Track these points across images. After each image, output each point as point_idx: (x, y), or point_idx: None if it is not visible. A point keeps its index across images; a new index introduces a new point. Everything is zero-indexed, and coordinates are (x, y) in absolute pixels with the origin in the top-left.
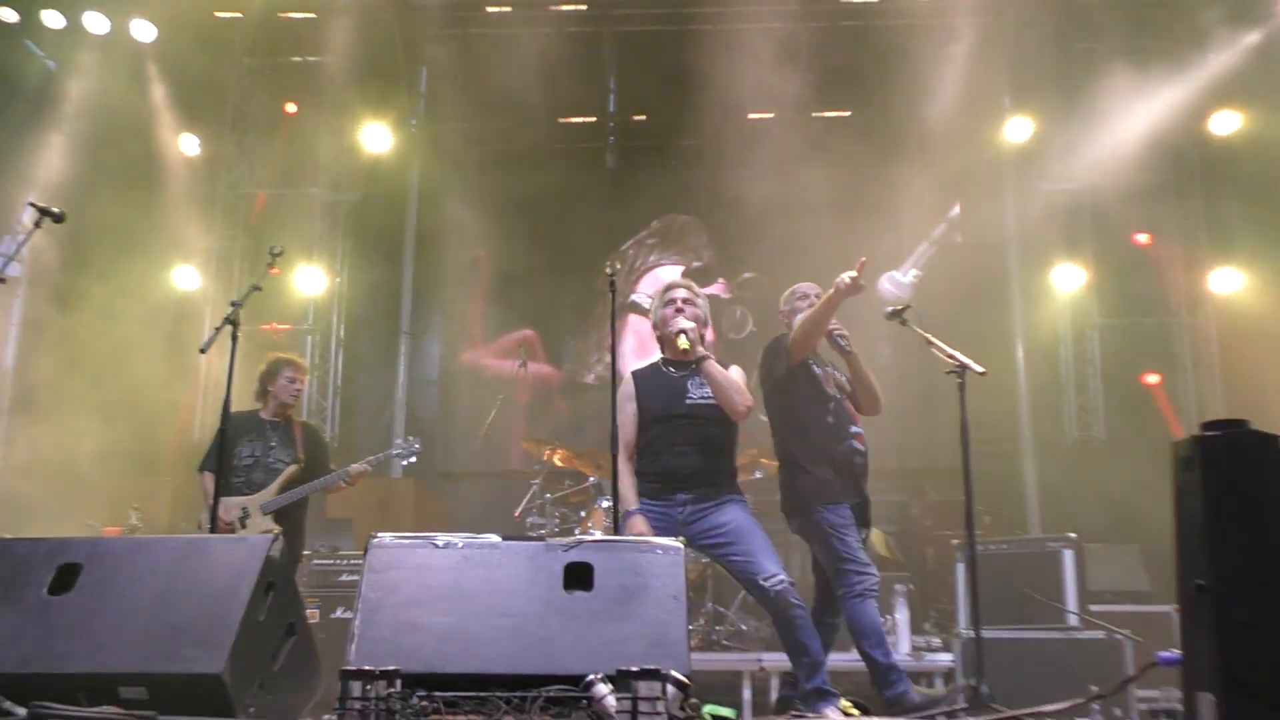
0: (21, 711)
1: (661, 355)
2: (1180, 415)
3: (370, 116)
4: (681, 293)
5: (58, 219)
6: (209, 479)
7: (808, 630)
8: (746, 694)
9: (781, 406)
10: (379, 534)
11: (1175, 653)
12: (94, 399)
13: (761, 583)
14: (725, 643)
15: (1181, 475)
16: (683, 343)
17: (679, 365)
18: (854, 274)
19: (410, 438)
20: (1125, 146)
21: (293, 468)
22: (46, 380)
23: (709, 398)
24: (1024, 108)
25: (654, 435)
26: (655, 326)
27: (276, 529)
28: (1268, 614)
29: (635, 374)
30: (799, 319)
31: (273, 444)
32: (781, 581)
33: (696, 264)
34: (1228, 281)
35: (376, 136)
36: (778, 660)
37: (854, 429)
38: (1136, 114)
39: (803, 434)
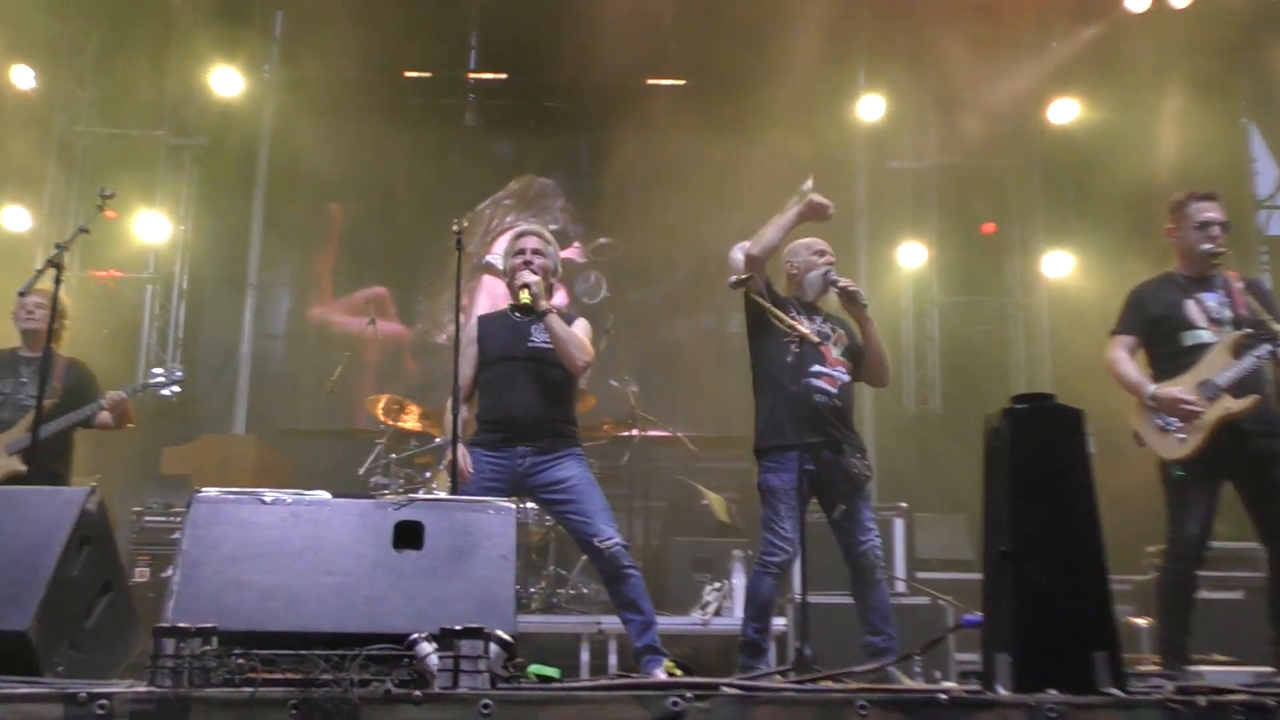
0: None
1: (510, 302)
2: (1013, 388)
3: (221, 59)
4: (531, 242)
5: None
6: None
7: (638, 590)
8: (585, 656)
9: (751, 345)
10: (203, 488)
11: (978, 615)
12: None
13: (596, 544)
14: (566, 605)
15: (990, 445)
16: (524, 297)
17: (525, 310)
18: (826, 201)
19: (173, 365)
20: (971, 130)
21: (47, 402)
22: None
23: (552, 343)
24: (877, 86)
25: (495, 375)
26: (505, 274)
27: (23, 469)
28: (1061, 577)
29: (481, 318)
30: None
31: (24, 380)
32: (615, 544)
33: (553, 227)
34: (1060, 264)
35: (227, 80)
36: (617, 624)
37: (820, 369)
38: (982, 98)
39: (761, 376)
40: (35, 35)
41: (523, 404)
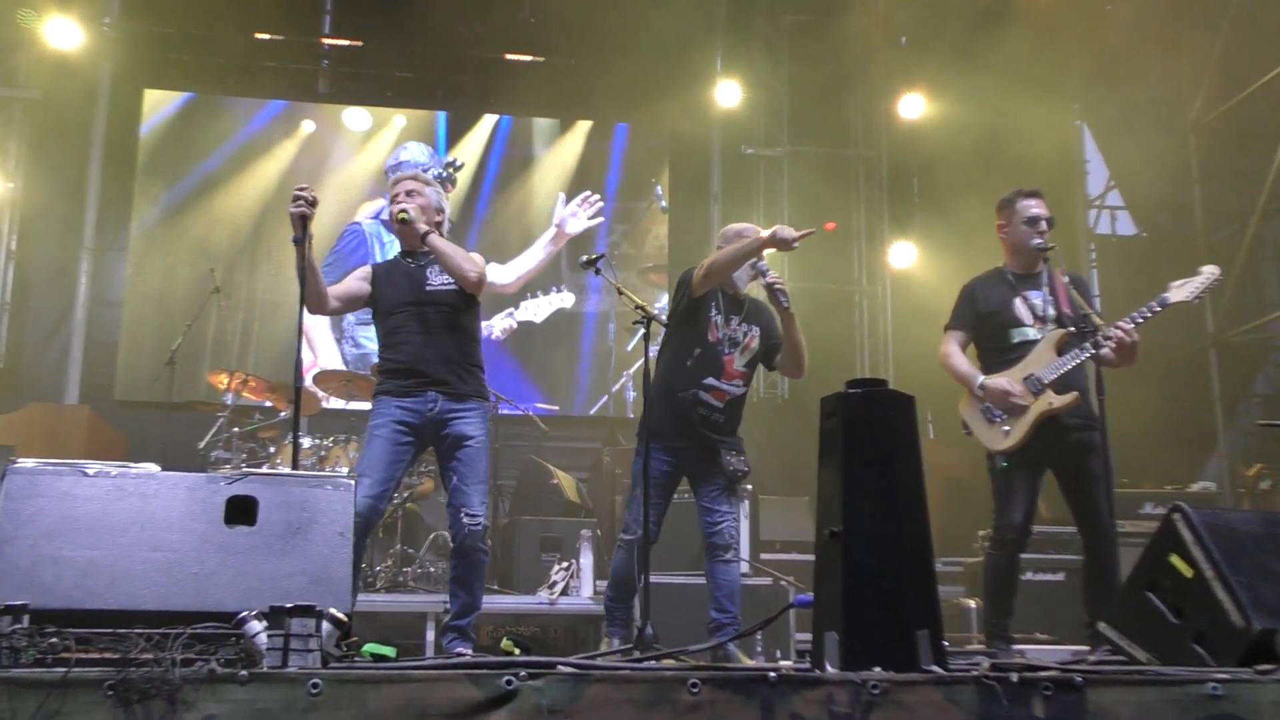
0: None
1: (400, 250)
2: (855, 373)
3: (56, 9)
4: (407, 185)
5: None
6: None
7: (481, 575)
8: (430, 635)
9: (666, 338)
10: (19, 459)
11: (809, 595)
12: None
13: (463, 516)
14: (413, 584)
15: (825, 428)
16: (401, 215)
17: (415, 256)
18: (794, 234)
19: None
20: (823, 119)
21: None
22: None
23: (450, 284)
24: (733, 73)
25: (397, 323)
26: (389, 221)
27: None
28: (885, 558)
29: (374, 266)
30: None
31: None
32: (481, 523)
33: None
34: (903, 255)
35: (63, 31)
36: None
37: (712, 382)
38: (834, 90)
39: (662, 366)
40: None
41: (429, 347)
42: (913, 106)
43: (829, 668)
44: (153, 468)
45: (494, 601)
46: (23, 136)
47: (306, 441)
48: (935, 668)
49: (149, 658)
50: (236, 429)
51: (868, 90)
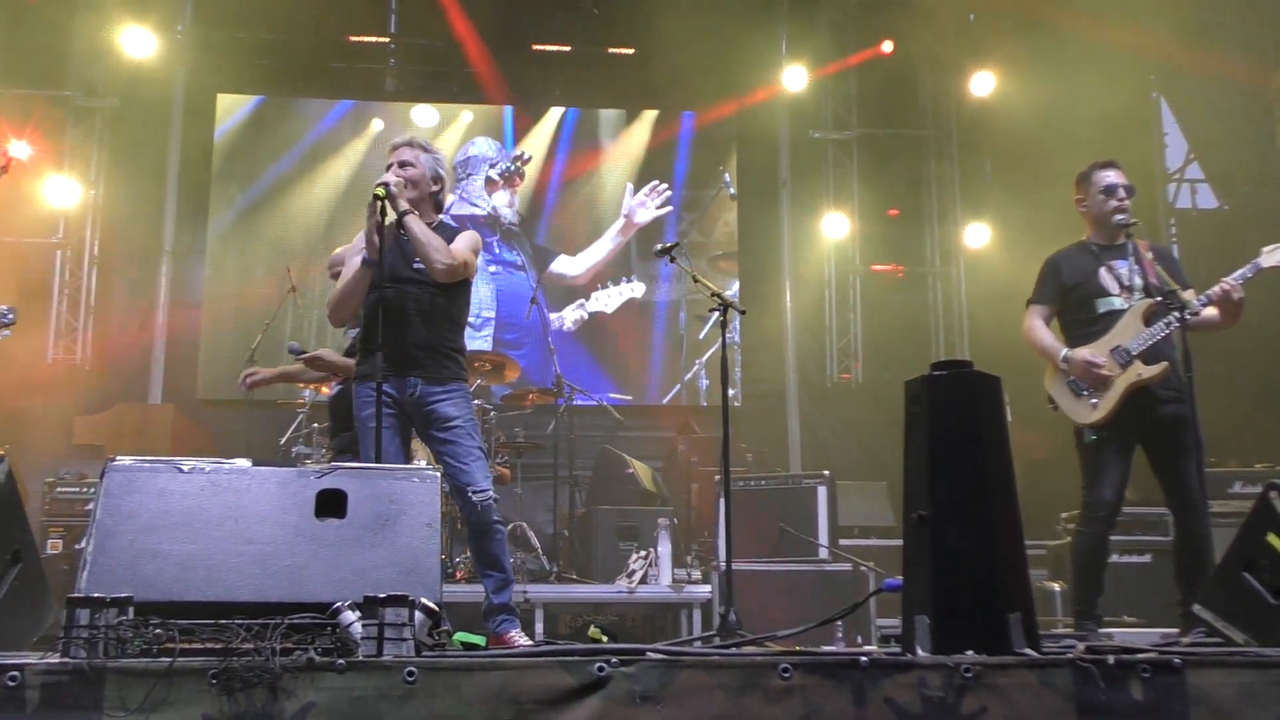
0: None
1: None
2: (930, 358)
3: (131, 19)
4: (402, 153)
5: None
6: None
7: (502, 547)
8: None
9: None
10: (118, 457)
11: (899, 579)
12: None
13: (469, 494)
14: None
15: (911, 412)
16: (379, 190)
17: (384, 213)
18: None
19: (4, 306)
20: (892, 100)
21: None
22: None
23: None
24: (799, 57)
25: (380, 298)
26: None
27: None
28: (975, 540)
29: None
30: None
31: None
32: (489, 496)
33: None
34: (977, 236)
35: (139, 40)
36: (541, 592)
37: None
38: (902, 69)
39: None
40: None
41: (411, 332)
42: (983, 84)
43: (920, 651)
44: (244, 463)
45: (572, 591)
46: (103, 145)
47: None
48: (1028, 651)
49: (249, 647)
50: (316, 424)
51: (936, 70)
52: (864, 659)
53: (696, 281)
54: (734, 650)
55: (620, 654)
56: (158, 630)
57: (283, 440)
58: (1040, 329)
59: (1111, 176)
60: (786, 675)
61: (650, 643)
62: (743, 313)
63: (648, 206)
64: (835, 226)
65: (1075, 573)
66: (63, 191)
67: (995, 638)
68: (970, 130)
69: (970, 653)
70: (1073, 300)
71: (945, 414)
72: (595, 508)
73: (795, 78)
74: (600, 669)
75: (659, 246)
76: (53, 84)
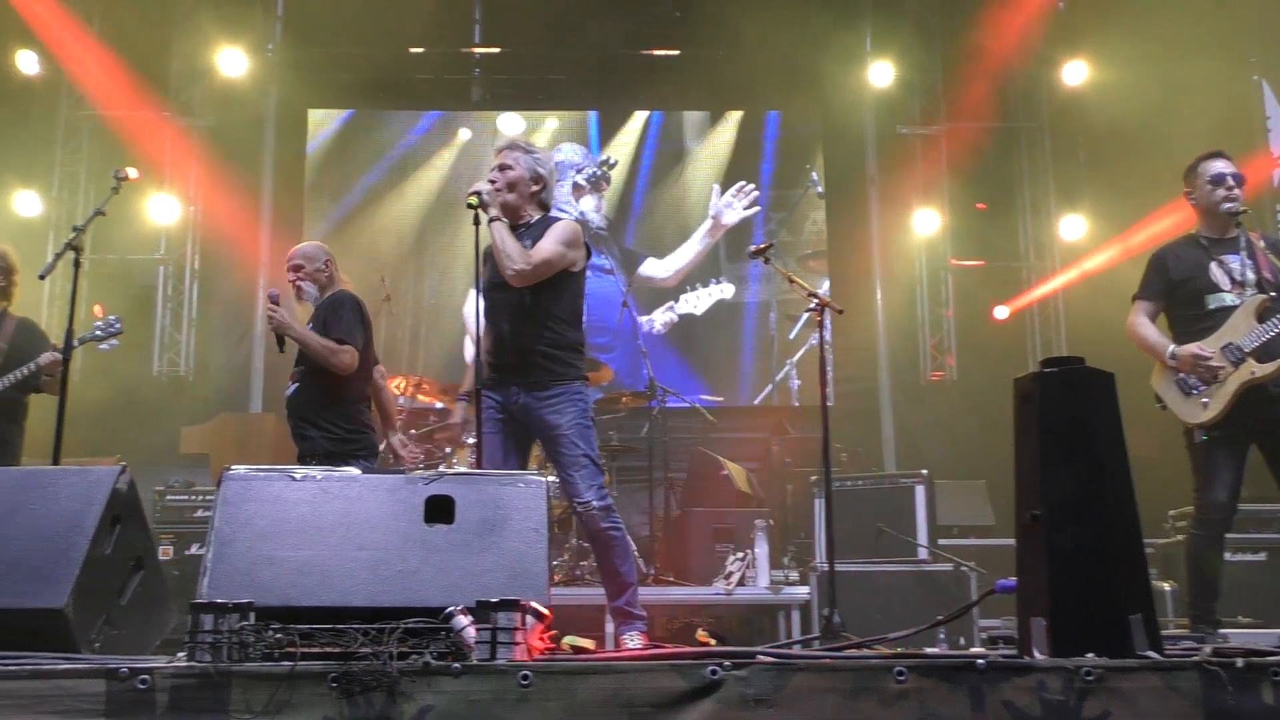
0: None
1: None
2: (1027, 356)
3: (225, 40)
4: (503, 157)
5: None
6: None
7: (620, 551)
8: (609, 628)
9: None
10: (234, 466)
11: (1013, 581)
12: None
13: (575, 506)
14: (589, 577)
15: (1021, 410)
16: (471, 199)
17: (515, 231)
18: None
19: (111, 316)
20: (980, 92)
21: None
22: None
23: None
24: (884, 52)
25: (485, 308)
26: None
27: None
28: (1091, 540)
29: (486, 249)
30: None
31: None
32: (593, 506)
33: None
34: (1073, 228)
35: (232, 60)
36: (642, 595)
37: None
38: (990, 61)
39: None
40: (38, 20)
41: (506, 338)
42: (1075, 73)
43: (1037, 654)
44: (354, 471)
45: (669, 593)
46: (200, 162)
47: (472, 440)
48: (1151, 653)
49: (367, 651)
50: (413, 431)
51: (1026, 60)
52: (981, 662)
53: (792, 283)
54: (847, 653)
55: (731, 656)
56: (278, 635)
57: (381, 447)
58: (1146, 325)
59: (1219, 165)
60: (901, 678)
61: (747, 645)
62: (840, 312)
63: (735, 207)
64: (925, 222)
65: (1190, 576)
66: (164, 209)
67: (1115, 640)
68: (1062, 121)
69: (1090, 655)
70: (1181, 296)
71: (1057, 412)
72: (690, 510)
73: (881, 73)
74: (713, 672)
75: (753, 248)
76: (152, 105)
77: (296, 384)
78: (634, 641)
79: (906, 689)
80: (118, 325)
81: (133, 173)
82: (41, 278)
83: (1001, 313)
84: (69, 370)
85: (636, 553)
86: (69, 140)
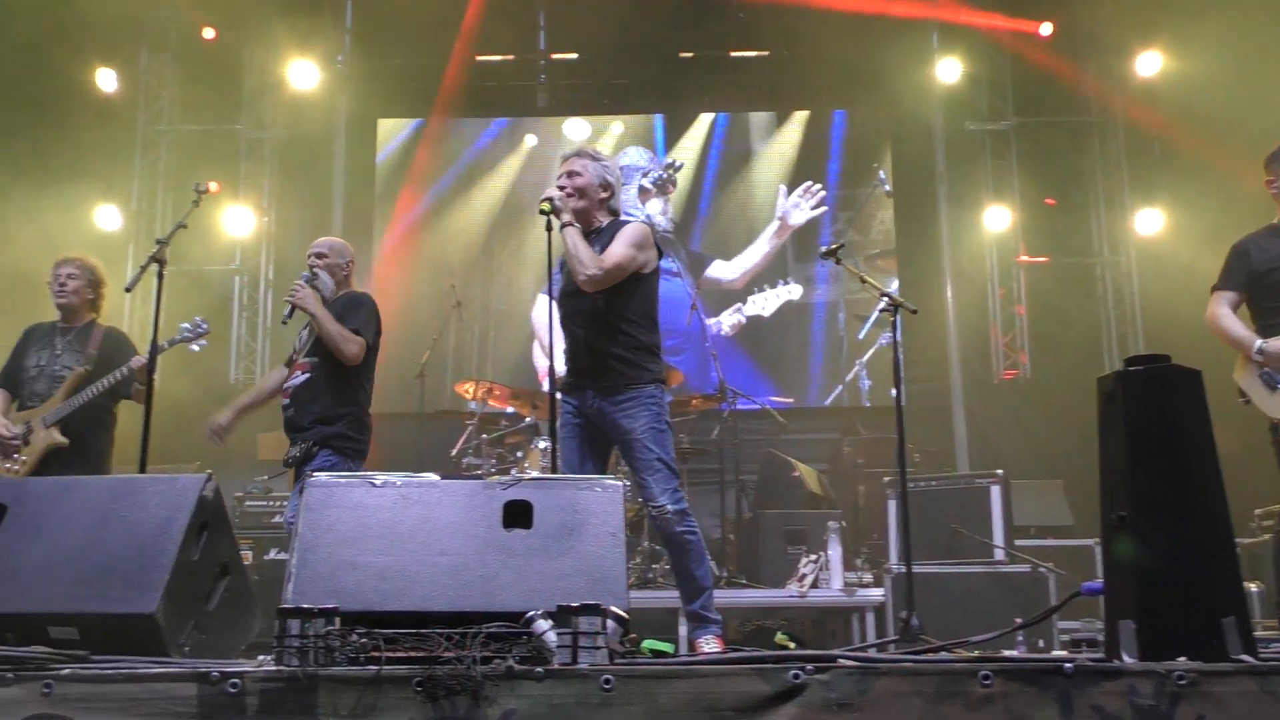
0: None
1: None
2: (1102, 352)
3: (296, 52)
4: (569, 164)
5: None
6: None
7: (695, 555)
8: (683, 630)
9: None
10: (315, 473)
11: (1099, 583)
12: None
13: (650, 510)
14: (661, 580)
15: (1105, 410)
16: (544, 205)
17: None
18: None
19: (198, 317)
20: (1050, 86)
21: (80, 370)
22: None
23: None
24: (951, 48)
25: (560, 317)
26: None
27: (63, 441)
28: (1180, 541)
29: (562, 258)
30: None
31: (59, 351)
32: (667, 510)
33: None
34: (1149, 222)
35: (303, 73)
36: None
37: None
38: (1060, 54)
39: None
40: (115, 39)
41: (580, 343)
42: (1149, 64)
43: (1126, 658)
44: (432, 477)
45: (741, 595)
46: (273, 173)
47: (543, 444)
48: (1246, 657)
49: (451, 656)
50: (485, 435)
51: (1098, 51)
52: (1069, 666)
53: (864, 282)
54: (930, 656)
55: (812, 660)
56: (363, 640)
57: (454, 452)
58: (1228, 317)
59: None
60: (987, 682)
61: (821, 648)
62: (914, 311)
63: (802, 208)
64: (996, 219)
65: (1278, 576)
66: (238, 220)
67: (1207, 643)
68: (1136, 113)
69: (1182, 659)
70: (1265, 287)
71: (1142, 411)
72: (762, 512)
73: (949, 70)
74: (795, 676)
75: (823, 249)
76: (226, 119)
77: (306, 374)
78: (709, 645)
79: (992, 693)
80: (205, 326)
81: (213, 186)
82: (128, 290)
83: None
84: (153, 379)
85: (708, 554)
86: (146, 154)
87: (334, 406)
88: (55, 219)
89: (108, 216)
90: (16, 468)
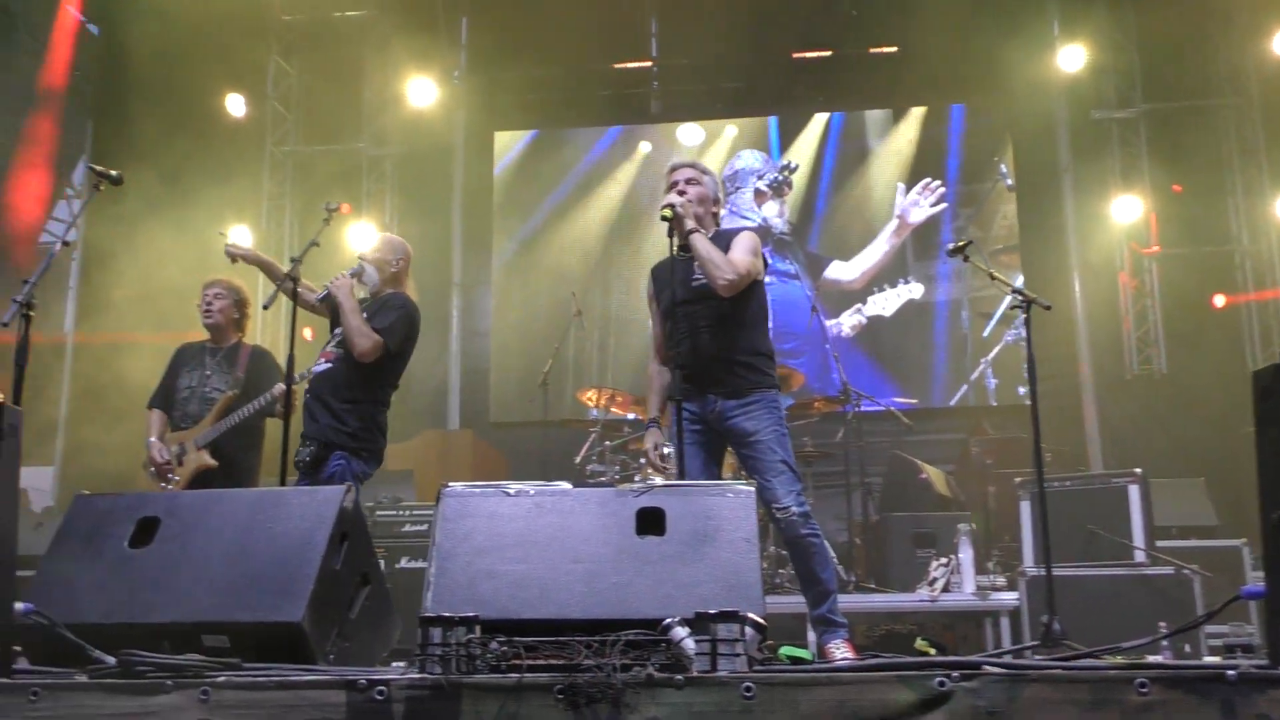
0: (111, 660)
1: (677, 245)
2: (1243, 345)
3: (414, 70)
4: (684, 173)
5: (116, 181)
6: (152, 416)
7: (820, 558)
8: (811, 635)
9: None
10: (451, 483)
11: (1260, 586)
12: (153, 364)
13: (774, 511)
14: (788, 585)
15: (1262, 405)
16: (665, 212)
17: (688, 249)
18: None
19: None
20: (1180, 70)
21: (229, 394)
22: (105, 345)
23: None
24: (1074, 35)
25: (672, 325)
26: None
27: (212, 463)
28: None
29: (653, 269)
30: None
31: (209, 373)
32: (793, 513)
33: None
34: None
35: (421, 90)
36: (844, 603)
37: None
38: (1188, 36)
39: None
40: (243, 66)
41: (701, 348)
42: None
43: None
44: (565, 485)
45: (870, 600)
46: (394, 188)
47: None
48: None
49: (591, 663)
50: (608, 442)
51: (1230, 32)
52: (1231, 673)
53: (994, 279)
54: (1081, 664)
55: (957, 667)
56: (503, 647)
57: (578, 459)
58: None
59: None
60: (1144, 690)
61: (954, 654)
62: (1048, 307)
63: (921, 205)
64: (1125, 210)
65: None
66: (362, 236)
67: None
68: (1273, 94)
69: None
70: None
71: None
72: (889, 515)
73: (1071, 57)
74: (941, 683)
75: (950, 246)
76: (347, 138)
77: (329, 364)
78: (840, 650)
79: (1150, 701)
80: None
81: (345, 206)
82: (265, 308)
83: (1219, 301)
84: (290, 394)
85: (835, 559)
86: (274, 175)
87: (349, 403)
88: (190, 238)
89: (239, 237)
90: (170, 489)
